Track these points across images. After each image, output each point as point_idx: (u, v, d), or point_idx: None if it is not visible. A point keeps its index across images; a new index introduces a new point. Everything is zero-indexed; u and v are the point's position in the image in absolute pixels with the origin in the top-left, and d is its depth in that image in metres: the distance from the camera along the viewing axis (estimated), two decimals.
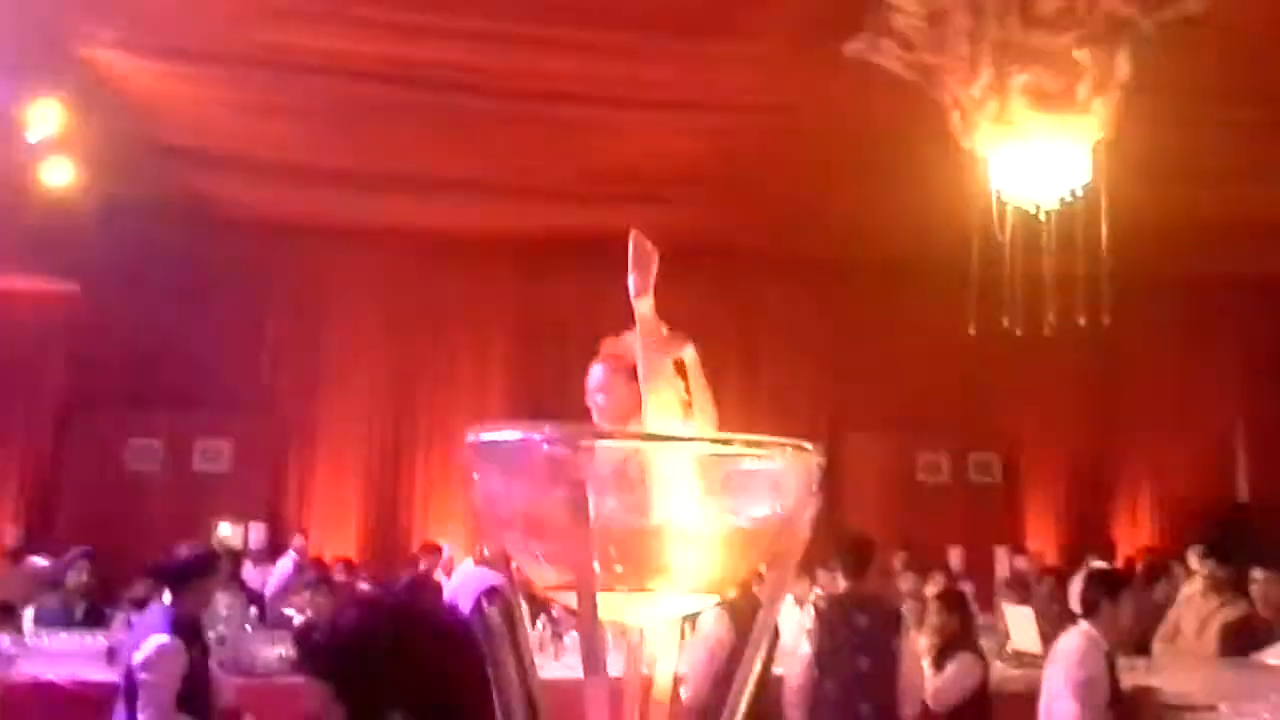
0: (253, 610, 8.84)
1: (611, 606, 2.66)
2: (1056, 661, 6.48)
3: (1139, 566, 13.18)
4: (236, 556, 11.32)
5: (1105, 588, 6.48)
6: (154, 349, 14.12)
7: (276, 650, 7.38)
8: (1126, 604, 6.40)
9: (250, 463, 14.30)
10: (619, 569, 2.67)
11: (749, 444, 2.77)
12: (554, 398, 13.68)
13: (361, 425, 15.14)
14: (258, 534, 13.34)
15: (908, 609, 9.66)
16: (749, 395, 14.99)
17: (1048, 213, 8.39)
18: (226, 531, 12.67)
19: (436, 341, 15.36)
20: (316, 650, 1.89)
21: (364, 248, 14.75)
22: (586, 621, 2.55)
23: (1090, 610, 6.44)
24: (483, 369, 15.18)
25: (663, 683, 2.94)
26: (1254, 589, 9.52)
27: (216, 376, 14.42)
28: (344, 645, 1.86)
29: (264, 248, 14.59)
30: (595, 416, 4.17)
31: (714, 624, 6.93)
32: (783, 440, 2.87)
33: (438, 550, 13.17)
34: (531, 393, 14.79)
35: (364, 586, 11.28)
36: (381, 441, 15.20)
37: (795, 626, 8.26)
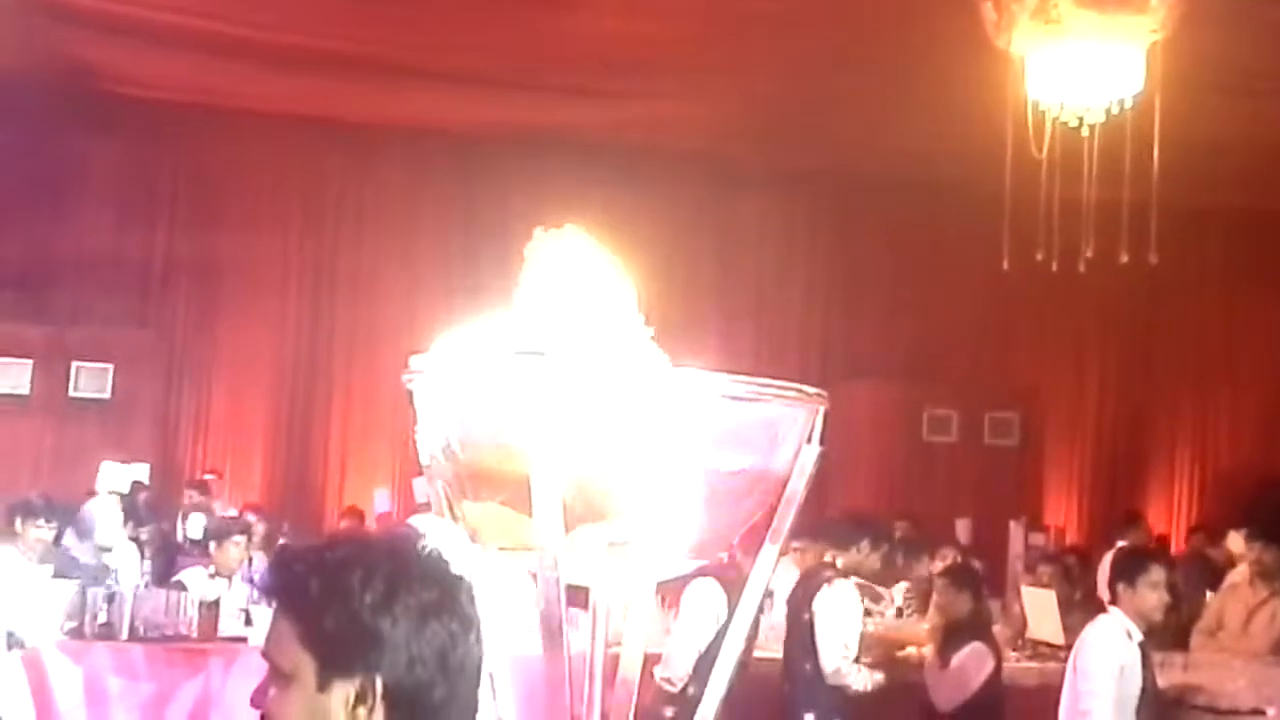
0: (146, 566, 8.87)
1: (575, 569, 2.68)
2: (1081, 653, 6.56)
3: (1182, 546, 13.33)
4: (130, 501, 11.30)
5: (1136, 568, 6.54)
6: (20, 252, 13.97)
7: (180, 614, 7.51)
8: (1159, 588, 6.45)
9: (136, 390, 14.21)
10: (585, 525, 2.69)
11: (739, 385, 2.78)
12: (499, 303, 13.67)
13: (269, 347, 15.08)
14: (141, 474, 13.28)
15: (905, 589, 9.79)
16: (728, 332, 15.02)
17: (1091, 127, 8.42)
18: (112, 471, 12.62)
19: (358, 247, 15.29)
20: (295, 582, 1.89)
21: (274, 135, 14.62)
22: (547, 586, 2.57)
23: (1119, 595, 6.51)
24: (412, 278, 15.11)
25: (631, 660, 2.96)
26: None
27: (96, 286, 14.29)
28: (329, 582, 1.86)
29: (154, 132, 14.42)
30: None
31: (703, 596, 7.03)
32: (780, 383, 2.89)
33: (360, 516, 13.21)
34: (470, 305, 14.74)
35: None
36: (294, 365, 15.15)
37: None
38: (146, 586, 8.39)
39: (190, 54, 12.46)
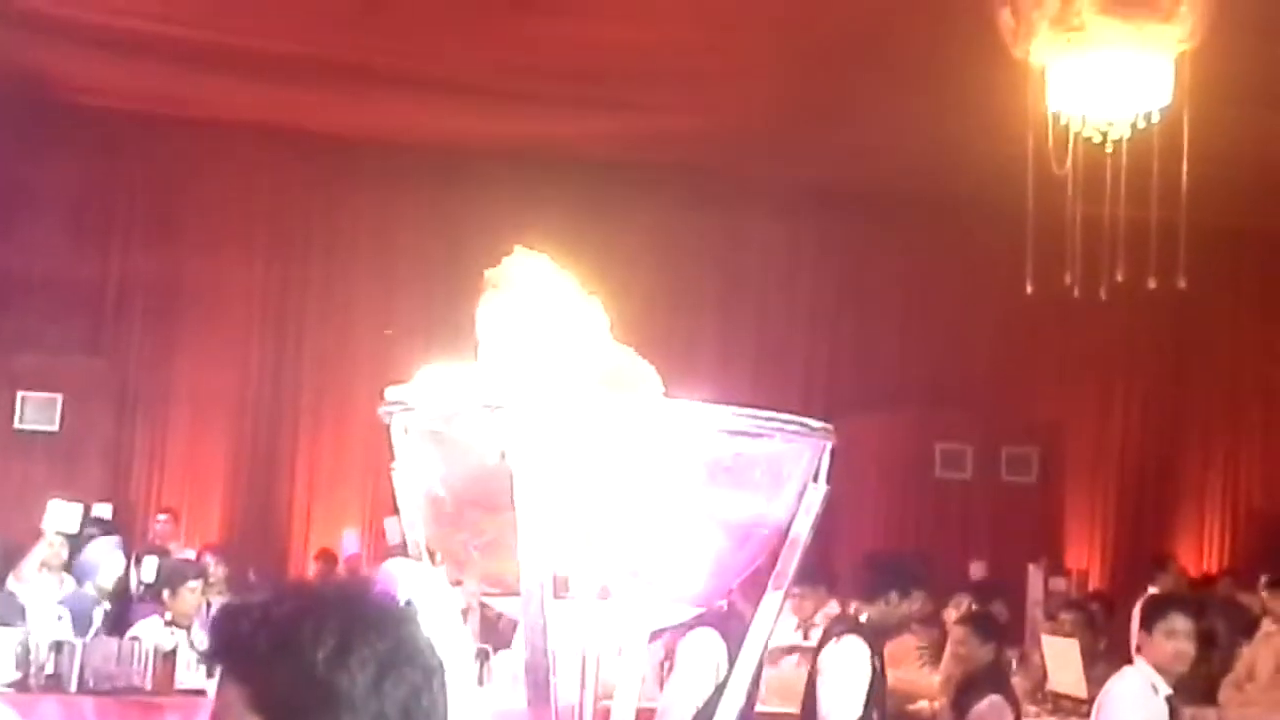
0: (99, 611, 8.85)
1: (564, 618, 2.68)
2: (1104, 708, 6.56)
3: (1216, 589, 13.33)
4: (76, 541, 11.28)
5: (1155, 616, 6.54)
6: None
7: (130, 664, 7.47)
8: (1177, 637, 6.43)
9: (86, 423, 14.19)
10: (574, 570, 2.70)
11: (739, 418, 2.79)
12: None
13: (231, 377, 15.06)
14: (101, 515, 13.24)
15: (920, 635, 9.78)
16: (726, 358, 15.04)
17: (1116, 142, 8.46)
18: (60, 510, 12.58)
19: (330, 269, 15.29)
20: (240, 641, 1.87)
21: (238, 149, 14.62)
22: (534, 636, 2.57)
23: (1141, 645, 6.50)
24: (388, 305, 15.12)
25: (624, 715, 2.97)
26: None
27: (44, 311, 14.27)
28: (278, 639, 1.84)
29: (108, 146, 14.43)
30: None
31: (702, 646, 7.02)
32: (784, 416, 2.90)
33: (333, 559, 13.23)
34: (451, 334, 14.72)
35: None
36: (257, 397, 15.13)
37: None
38: (98, 634, 8.36)
39: (148, 61, 12.47)
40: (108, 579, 9.10)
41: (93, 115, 13.97)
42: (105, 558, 9.40)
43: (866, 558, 8.03)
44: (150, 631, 8.25)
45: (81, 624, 8.47)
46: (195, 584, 8.61)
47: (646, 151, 14.06)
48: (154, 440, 14.94)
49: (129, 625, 8.73)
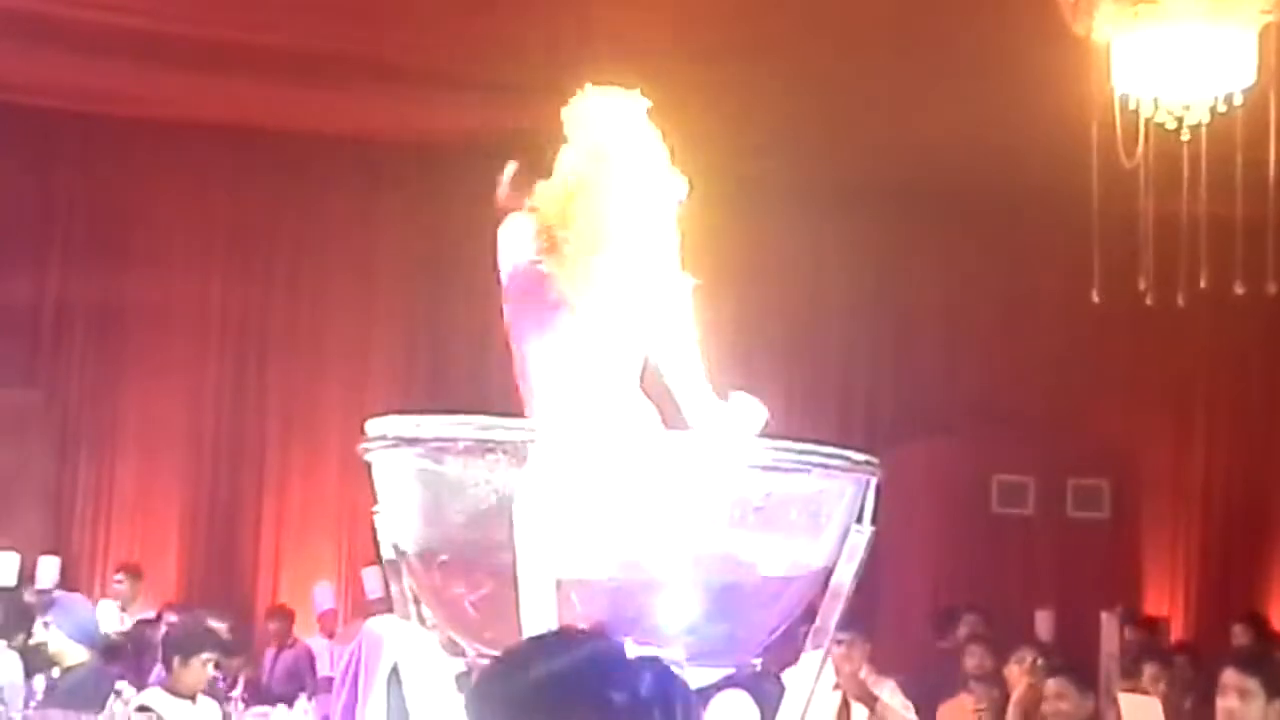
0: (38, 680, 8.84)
1: None
2: None
3: None
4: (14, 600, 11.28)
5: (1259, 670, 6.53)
6: None
7: None
8: (1240, 693, 6.40)
9: (21, 464, 14.21)
10: (584, 627, 2.71)
11: (771, 452, 2.79)
12: (469, 358, 13.66)
13: (186, 411, 15.08)
14: (48, 570, 13.22)
15: (979, 694, 9.77)
16: (750, 384, 15.00)
17: (1193, 129, 8.46)
18: None
19: (297, 288, 15.31)
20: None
21: (193, 151, 14.67)
22: None
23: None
24: (365, 325, 15.15)
25: None
26: None
27: None
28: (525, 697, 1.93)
29: (43, 149, 14.47)
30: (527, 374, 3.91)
31: (732, 711, 7.00)
32: (822, 449, 2.90)
33: (289, 617, 13.22)
34: (435, 356, 14.78)
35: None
36: (215, 434, 15.15)
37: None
38: (39, 706, 8.35)
39: (91, 54, 12.51)
40: (68, 652, 9.06)
41: (27, 115, 14.00)
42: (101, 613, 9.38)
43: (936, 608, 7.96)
44: (160, 704, 8.28)
45: (20, 694, 8.44)
46: (211, 655, 8.64)
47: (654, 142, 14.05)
48: (100, 482, 14.94)
49: (97, 694, 8.69)
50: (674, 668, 1.99)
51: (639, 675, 1.96)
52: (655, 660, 1.99)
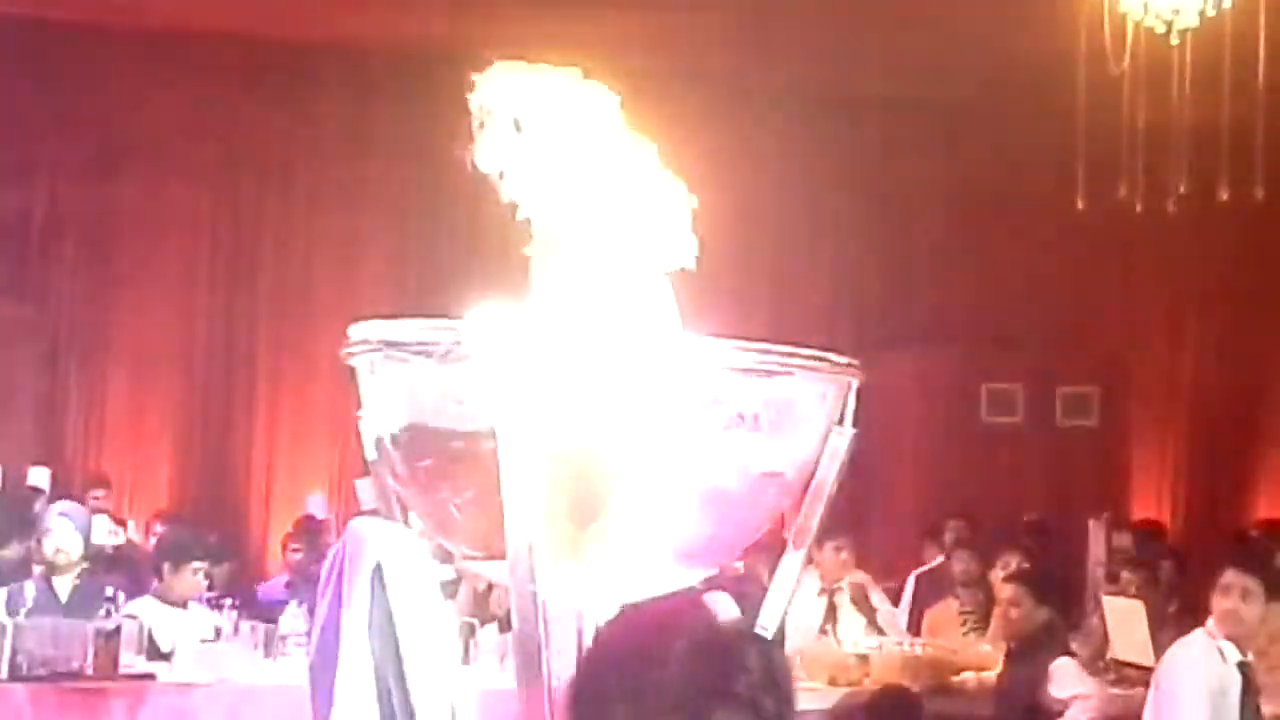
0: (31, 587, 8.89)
1: (556, 582, 2.70)
2: (1164, 674, 6.59)
3: None
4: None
5: (1218, 570, 6.54)
6: None
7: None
8: (1231, 594, 6.41)
9: (12, 377, 14.21)
10: (567, 526, 2.72)
11: (751, 355, 2.79)
12: (460, 270, 13.64)
13: (177, 321, 15.05)
14: (39, 480, 13.25)
15: (965, 599, 9.86)
16: (740, 288, 15.02)
17: (1182, 33, 8.42)
18: None
19: (289, 196, 15.25)
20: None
21: (182, 60, 14.54)
22: (522, 602, 2.59)
23: (1211, 605, 6.50)
24: (355, 234, 15.09)
25: None
26: None
27: None
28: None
29: (30, 58, 14.35)
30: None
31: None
32: (805, 351, 2.91)
33: (316, 525, 13.10)
34: (427, 266, 14.75)
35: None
36: (208, 344, 15.12)
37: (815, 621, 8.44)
38: (31, 613, 8.40)
39: None
40: (71, 547, 9.09)
41: (17, 25, 13.89)
42: (56, 524, 9.38)
43: None
44: (150, 612, 8.33)
45: (13, 602, 8.48)
46: (200, 564, 8.69)
47: (642, 56, 13.99)
48: (90, 395, 14.91)
49: (90, 602, 8.74)
50: (764, 632, 2.04)
51: (748, 656, 2.02)
52: (755, 634, 2.04)
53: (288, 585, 11.26)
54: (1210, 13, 8.34)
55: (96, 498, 13.14)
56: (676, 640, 2.00)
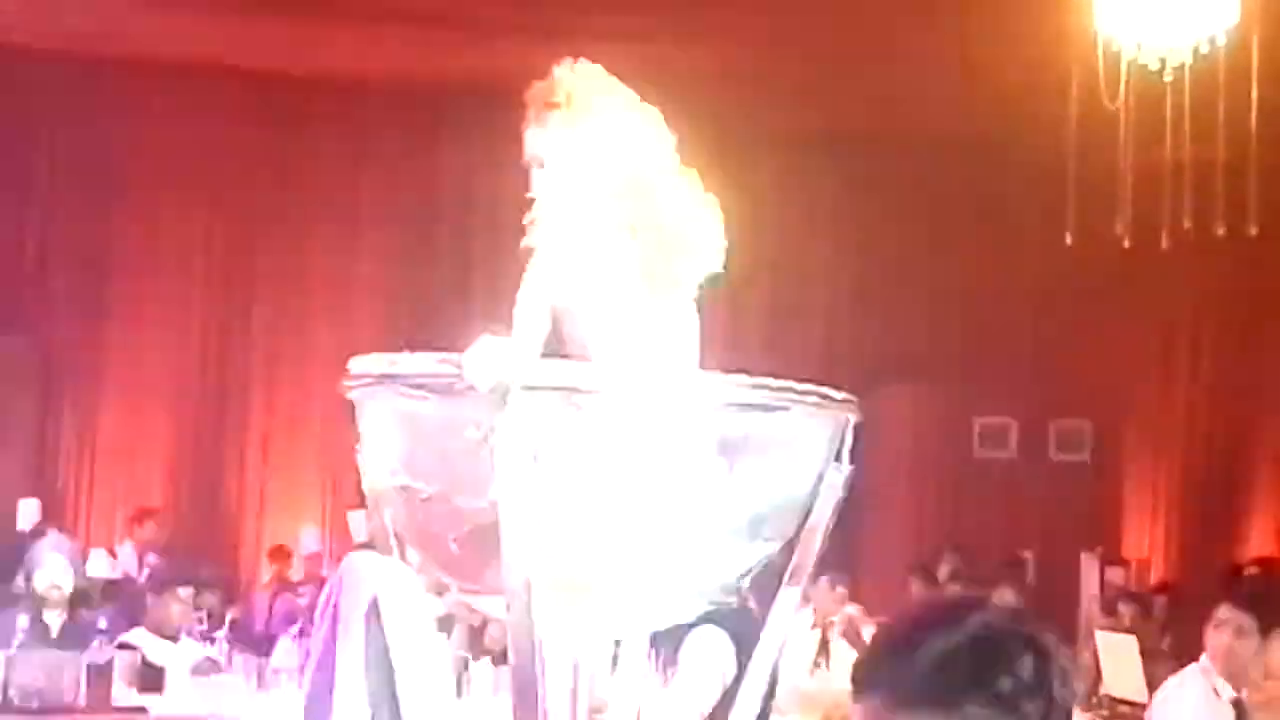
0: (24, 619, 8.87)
1: (553, 617, 2.70)
2: (1160, 711, 6.57)
3: None
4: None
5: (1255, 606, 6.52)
6: None
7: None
8: (1225, 630, 6.38)
9: (4, 408, 14.20)
10: (565, 565, 2.72)
11: (750, 390, 2.80)
12: (453, 305, 13.65)
13: (170, 353, 15.05)
14: (28, 512, 13.24)
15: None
16: (735, 325, 15.03)
17: (1175, 71, 8.45)
18: None
19: (283, 228, 15.26)
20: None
21: (178, 90, 14.56)
22: (519, 638, 2.59)
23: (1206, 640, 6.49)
24: (350, 267, 15.10)
25: None
26: None
27: None
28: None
29: (31, 86, 14.38)
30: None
31: (707, 648, 7.00)
32: (801, 386, 2.91)
33: (288, 559, 13.23)
34: (420, 300, 14.75)
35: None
36: (201, 376, 15.13)
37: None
38: (23, 645, 8.38)
39: None
40: (64, 581, 9.09)
41: (11, 54, 13.91)
42: (48, 559, 9.39)
43: None
44: (142, 644, 8.32)
45: (5, 634, 8.47)
46: (186, 592, 8.67)
47: (635, 90, 14.02)
48: (82, 427, 14.92)
49: (82, 635, 8.74)
50: (1048, 640, 2.00)
51: (1022, 658, 1.95)
52: (1033, 638, 1.99)
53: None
54: (1204, 50, 8.37)
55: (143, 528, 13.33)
56: (942, 631, 1.95)
